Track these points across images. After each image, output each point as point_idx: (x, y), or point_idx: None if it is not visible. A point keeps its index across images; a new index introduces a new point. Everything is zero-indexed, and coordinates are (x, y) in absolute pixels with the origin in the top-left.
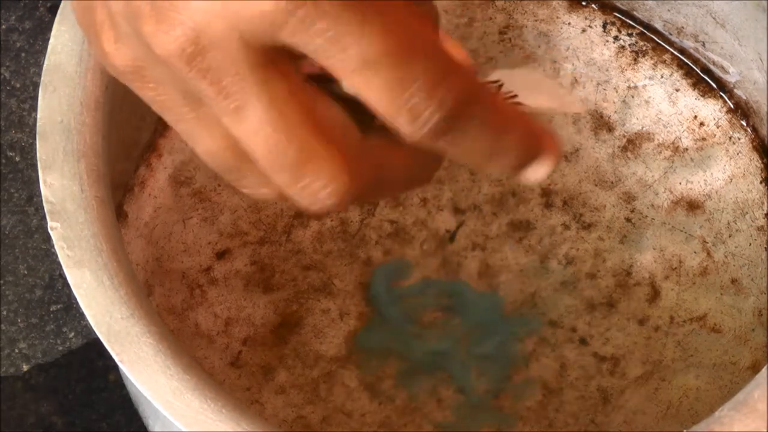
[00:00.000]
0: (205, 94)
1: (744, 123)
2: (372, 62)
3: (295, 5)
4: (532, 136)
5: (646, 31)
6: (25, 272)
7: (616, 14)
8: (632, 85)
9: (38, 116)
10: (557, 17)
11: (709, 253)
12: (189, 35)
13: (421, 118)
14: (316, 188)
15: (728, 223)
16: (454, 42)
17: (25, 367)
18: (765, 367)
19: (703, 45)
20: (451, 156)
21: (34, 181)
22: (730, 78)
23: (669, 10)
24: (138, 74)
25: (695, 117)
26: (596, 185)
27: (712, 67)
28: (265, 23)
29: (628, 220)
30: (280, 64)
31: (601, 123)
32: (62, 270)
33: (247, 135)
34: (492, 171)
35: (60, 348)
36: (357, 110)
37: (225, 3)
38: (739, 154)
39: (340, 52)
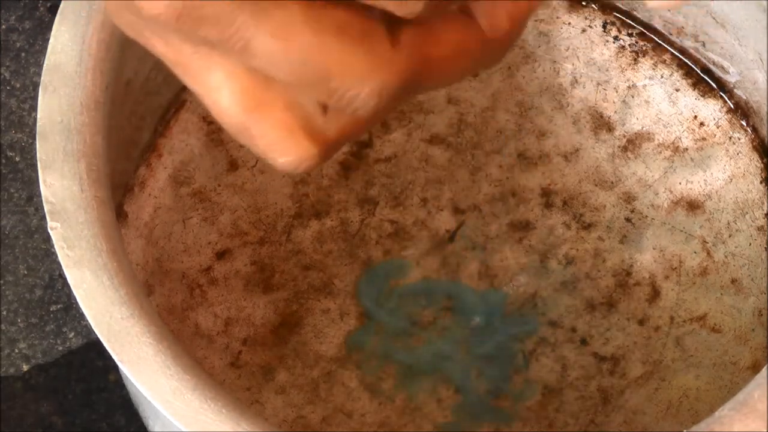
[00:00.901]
0: (211, 42)
1: (744, 123)
2: None
3: None
4: None
5: (646, 31)
6: (25, 272)
7: (616, 14)
8: (632, 85)
9: (38, 116)
10: (557, 17)
11: (709, 253)
12: None
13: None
14: (350, 97)
15: (728, 223)
16: None
17: (25, 367)
18: (765, 367)
19: (703, 45)
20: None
21: (34, 181)
22: (730, 78)
23: (669, 10)
24: (142, 33)
25: (695, 117)
26: (596, 185)
27: (712, 67)
28: None
29: (628, 220)
30: None
31: (601, 123)
32: (62, 270)
33: (265, 67)
34: None
35: (60, 348)
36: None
37: None
38: (739, 154)
39: None
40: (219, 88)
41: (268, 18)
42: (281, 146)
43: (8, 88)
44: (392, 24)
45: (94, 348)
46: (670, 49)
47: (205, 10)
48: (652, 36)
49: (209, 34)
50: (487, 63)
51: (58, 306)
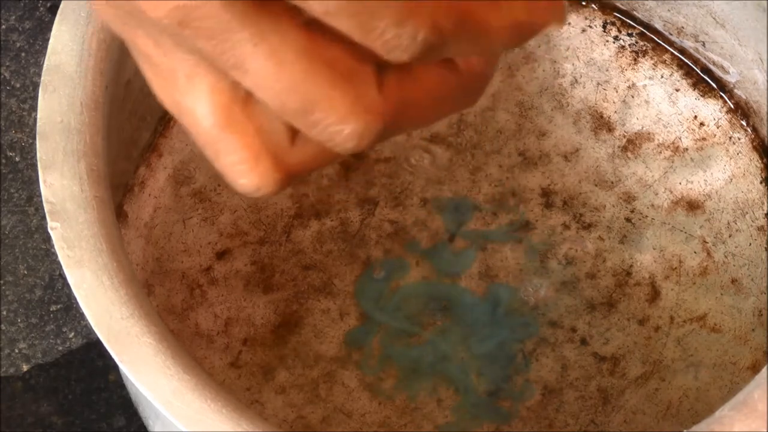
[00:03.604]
0: (203, 53)
1: (744, 123)
2: (332, 13)
3: None
4: (530, 16)
5: (646, 31)
6: (25, 272)
7: (616, 14)
8: (632, 85)
9: (38, 116)
10: None
11: (709, 253)
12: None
13: (397, 50)
14: (330, 133)
15: (728, 223)
16: None
17: (25, 367)
18: (765, 367)
19: (703, 45)
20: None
21: (34, 181)
22: (730, 78)
23: (669, 10)
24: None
25: (695, 117)
26: (596, 185)
27: (712, 67)
28: None
29: (628, 220)
30: (274, 9)
31: (601, 123)
32: (62, 270)
33: (252, 87)
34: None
35: (60, 348)
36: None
37: None
38: (739, 154)
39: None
40: (198, 98)
41: (265, 40)
42: (244, 168)
43: (8, 88)
44: (379, 67)
45: (94, 348)
46: (670, 49)
47: (207, 21)
48: (652, 36)
49: (205, 46)
50: (463, 105)
51: (58, 306)
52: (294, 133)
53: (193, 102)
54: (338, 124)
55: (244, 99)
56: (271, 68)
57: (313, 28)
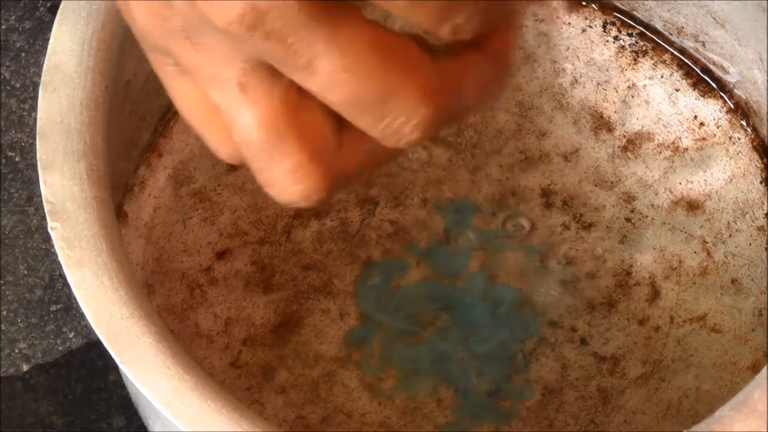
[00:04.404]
0: (270, 57)
1: (744, 123)
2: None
3: None
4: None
5: (646, 31)
6: (25, 272)
7: (616, 14)
8: (632, 85)
9: (38, 116)
10: (557, 17)
11: (709, 253)
12: (247, 2)
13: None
14: (398, 125)
15: (728, 223)
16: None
17: (25, 367)
18: (765, 367)
19: (703, 45)
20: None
21: (34, 181)
22: (730, 78)
23: (669, 10)
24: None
25: (695, 117)
26: (596, 185)
27: (712, 67)
28: None
29: (628, 220)
30: (342, 5)
31: (601, 123)
32: (62, 270)
33: (322, 87)
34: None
35: (60, 348)
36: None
37: None
38: (739, 154)
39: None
40: (250, 106)
41: (338, 37)
42: (297, 175)
43: (8, 88)
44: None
45: (94, 348)
46: (670, 49)
47: (281, 22)
48: (652, 36)
49: (275, 49)
50: (497, 92)
51: (58, 306)
52: (339, 142)
53: (246, 110)
54: (408, 113)
55: (296, 106)
56: (345, 64)
57: (373, 21)
